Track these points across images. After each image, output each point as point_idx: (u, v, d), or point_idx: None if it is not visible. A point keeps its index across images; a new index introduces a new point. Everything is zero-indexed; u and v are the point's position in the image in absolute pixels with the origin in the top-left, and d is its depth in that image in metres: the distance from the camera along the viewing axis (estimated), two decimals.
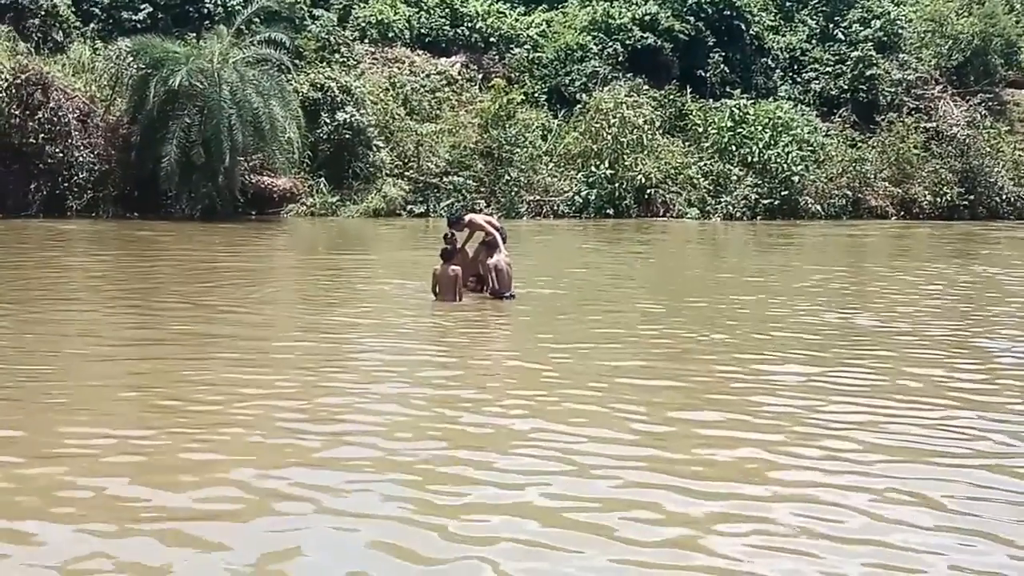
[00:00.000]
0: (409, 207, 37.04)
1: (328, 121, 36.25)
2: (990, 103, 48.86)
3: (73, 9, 37.14)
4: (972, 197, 45.03)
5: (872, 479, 7.31)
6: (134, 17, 37.26)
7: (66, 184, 32.44)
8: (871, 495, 6.93)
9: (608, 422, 8.67)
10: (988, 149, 45.99)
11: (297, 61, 37.33)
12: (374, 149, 37.45)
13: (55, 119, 32.15)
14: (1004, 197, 45.59)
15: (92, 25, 37.29)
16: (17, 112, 31.42)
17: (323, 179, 36.32)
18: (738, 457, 7.82)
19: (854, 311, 16.09)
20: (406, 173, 37.90)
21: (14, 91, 31.39)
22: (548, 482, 7.06)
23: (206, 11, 38.05)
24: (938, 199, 44.42)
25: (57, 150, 32.13)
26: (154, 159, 31.70)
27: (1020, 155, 46.94)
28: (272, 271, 22.57)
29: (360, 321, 14.37)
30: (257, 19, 36.73)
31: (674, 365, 11.63)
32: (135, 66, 33.57)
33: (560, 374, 10.82)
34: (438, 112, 40.72)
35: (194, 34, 35.66)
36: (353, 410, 9.10)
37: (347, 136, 36.38)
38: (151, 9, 37.49)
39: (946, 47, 49.78)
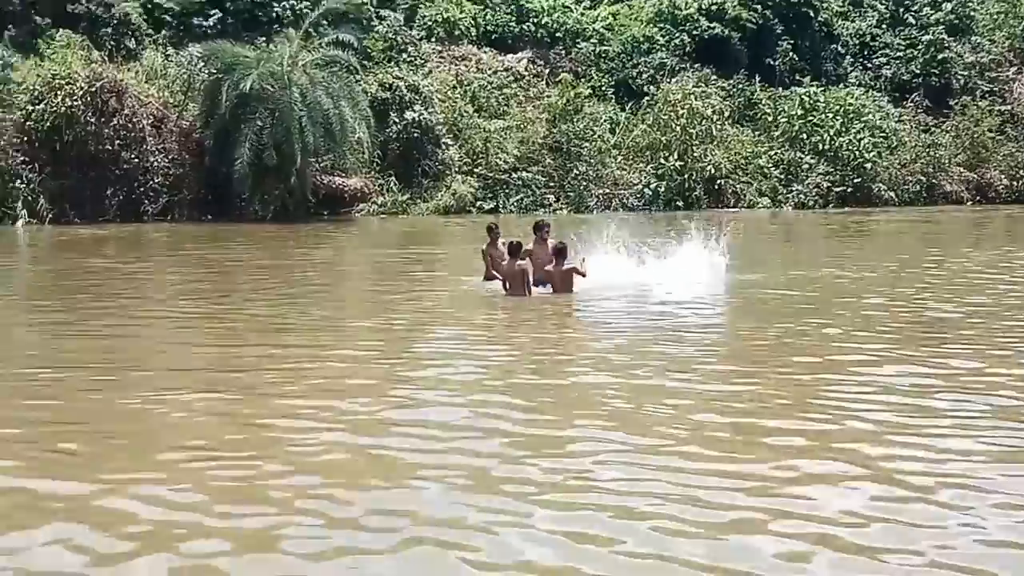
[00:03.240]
0: (479, 203, 37.18)
1: (397, 120, 36.53)
2: None
3: (145, 17, 37.80)
4: None
5: None
6: (204, 23, 37.82)
7: (141, 189, 32.99)
8: None
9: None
10: None
11: (365, 62, 37.70)
12: (443, 147, 37.68)
13: (130, 125, 32.70)
14: None
15: (164, 32, 37.93)
16: (93, 119, 31.94)
17: (393, 178, 36.63)
18: None
19: None
20: (475, 170, 38.06)
21: (89, 99, 31.91)
22: None
23: (275, 15, 38.52)
24: (1015, 182, 43.73)
25: (132, 156, 32.69)
26: (227, 162, 32.12)
27: None
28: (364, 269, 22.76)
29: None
30: (325, 21, 37.12)
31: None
32: (206, 71, 34.17)
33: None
34: (506, 108, 40.88)
35: (263, 38, 36.06)
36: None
37: (416, 135, 36.63)
38: (221, 15, 38.04)
39: (1020, 28, 48.97)
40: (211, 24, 37.81)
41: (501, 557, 5.42)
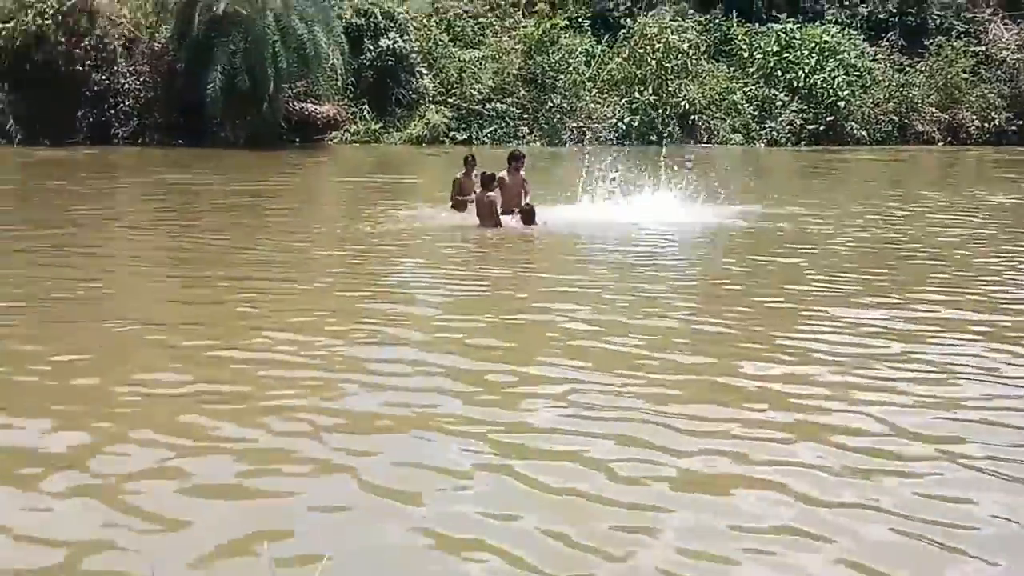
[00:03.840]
0: (452, 134, 37.06)
1: (371, 48, 36.29)
2: None
3: None
4: (1021, 122, 44.35)
5: None
6: None
7: (112, 111, 32.73)
8: None
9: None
10: None
11: None
12: (417, 76, 37.47)
13: (101, 46, 32.39)
14: None
15: None
16: (63, 39, 31.57)
17: (366, 106, 36.44)
18: None
19: None
20: (449, 100, 37.87)
21: (60, 19, 31.52)
22: None
23: None
24: (986, 124, 43.87)
25: (103, 77, 32.41)
26: (199, 86, 31.82)
27: None
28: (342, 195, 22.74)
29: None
30: None
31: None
32: None
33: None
34: (481, 38, 40.62)
35: None
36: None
37: (390, 63, 36.41)
38: None
39: None
40: None
41: (446, 504, 5.51)
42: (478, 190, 16.18)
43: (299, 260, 12.98)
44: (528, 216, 15.84)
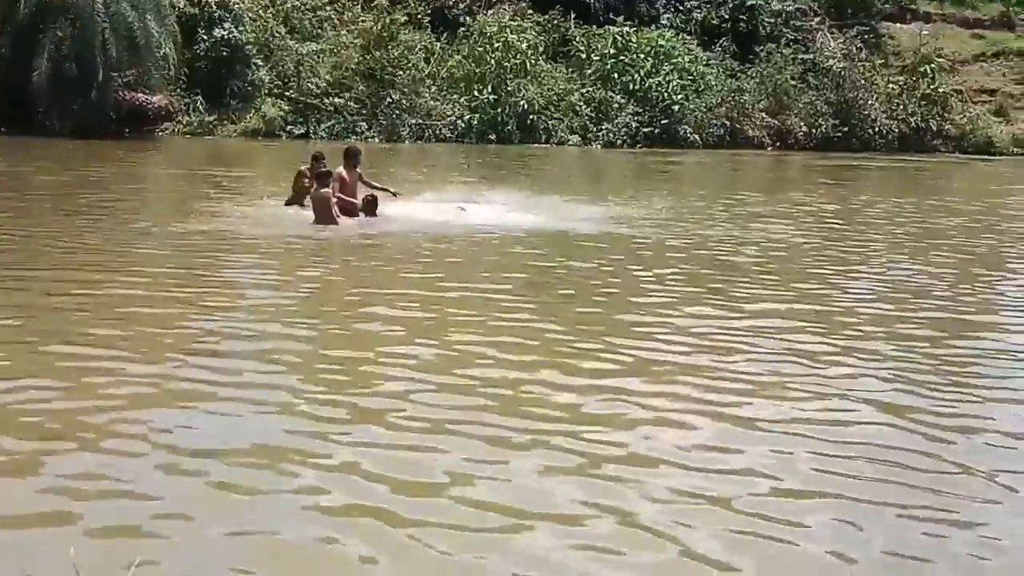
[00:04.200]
0: (289, 128, 36.56)
1: (205, 38, 35.55)
2: (866, 36, 49.87)
3: None
4: (846, 129, 45.94)
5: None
6: None
7: None
8: None
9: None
10: (863, 82, 46.87)
11: None
12: (253, 68, 36.82)
13: None
14: (877, 130, 46.52)
15: None
16: None
17: (200, 97, 35.64)
18: None
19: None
20: (286, 93, 37.37)
21: None
22: None
23: None
24: (813, 130, 45.32)
25: None
26: (24, 73, 30.73)
27: (893, 88, 47.93)
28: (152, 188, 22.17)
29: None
30: None
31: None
32: None
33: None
34: (319, 31, 40.19)
35: None
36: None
37: (225, 53, 35.70)
38: None
39: None
40: None
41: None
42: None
43: (111, 259, 12.53)
44: (371, 207, 15.94)
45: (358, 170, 16.72)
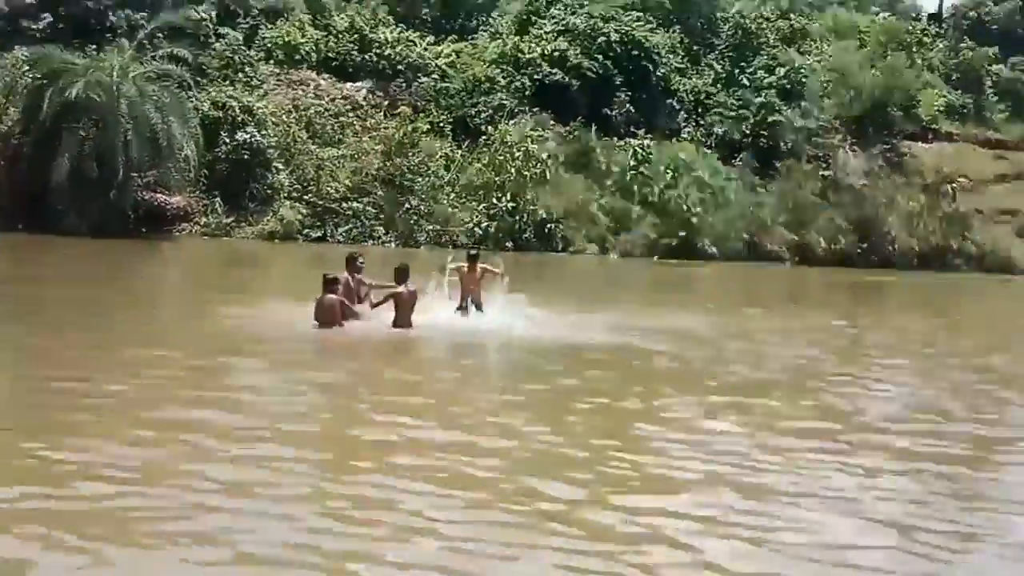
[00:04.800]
0: (306, 231, 36.69)
1: (228, 140, 35.92)
2: (888, 154, 50.08)
3: None
4: (866, 245, 45.91)
5: None
6: (34, 26, 36.63)
7: None
8: None
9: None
10: (883, 200, 46.97)
11: (199, 78, 37.00)
12: (273, 171, 37.13)
13: None
14: (897, 248, 46.47)
15: None
16: None
17: (219, 199, 35.88)
18: None
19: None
20: (304, 196, 37.59)
21: None
22: None
23: (109, 24, 37.50)
24: (832, 246, 45.27)
25: None
26: (45, 171, 31.11)
27: (914, 206, 47.96)
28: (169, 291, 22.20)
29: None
30: (161, 34, 36.43)
31: None
32: (31, 76, 33.06)
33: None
34: (341, 137, 40.55)
35: (95, 47, 35.03)
36: None
37: (246, 156, 36.03)
38: (52, 19, 36.86)
39: (847, 98, 50.89)
40: (41, 28, 36.62)
41: None
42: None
43: (118, 361, 12.45)
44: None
45: (361, 276, 16.68)
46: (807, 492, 8.05)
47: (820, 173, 46.78)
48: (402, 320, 15.68)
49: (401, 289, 15.84)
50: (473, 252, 18.68)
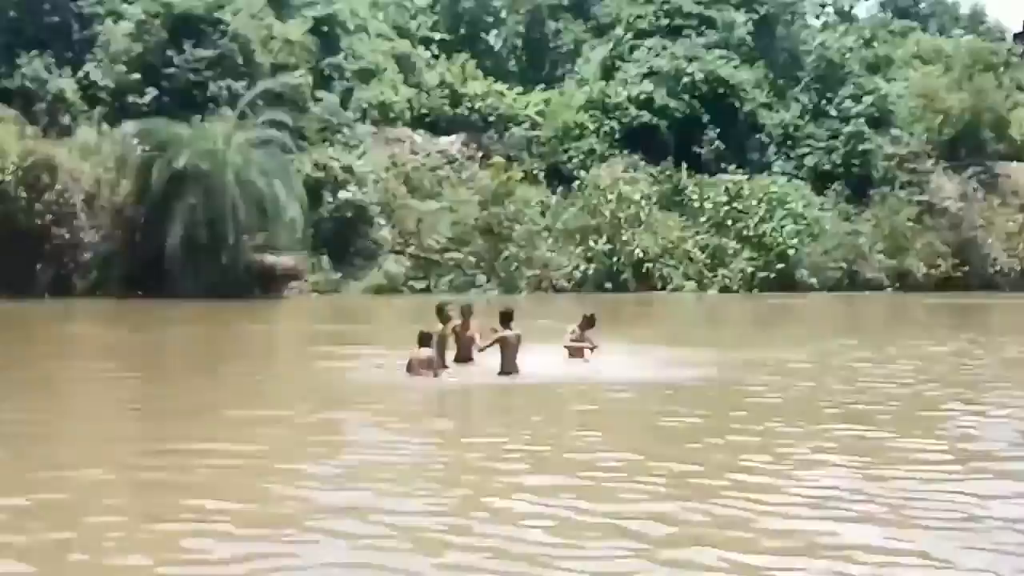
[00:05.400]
0: (410, 283, 37.49)
1: (330, 200, 36.96)
2: (982, 176, 49.66)
3: (80, 93, 37.91)
4: (967, 268, 45.59)
5: None
6: (140, 101, 37.89)
7: (72, 264, 32.94)
8: None
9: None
10: (981, 221, 46.67)
11: (300, 141, 38.03)
12: (376, 226, 38.09)
13: (61, 201, 32.77)
14: (997, 268, 46.09)
15: (98, 108, 37.92)
16: (24, 195, 31.98)
17: (325, 256, 36.82)
18: None
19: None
20: (407, 250, 38.42)
21: (21, 174, 32.01)
22: None
23: (210, 95, 38.63)
24: (932, 270, 45.02)
25: (63, 231, 32.68)
26: (159, 239, 32.22)
27: (1012, 226, 47.53)
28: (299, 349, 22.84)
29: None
30: (260, 101, 37.48)
31: None
32: (140, 148, 34.33)
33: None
34: (439, 190, 41.42)
35: (199, 117, 36.19)
36: None
37: (349, 214, 37.06)
38: (157, 93, 38.12)
39: (937, 122, 50.65)
40: (146, 102, 37.87)
41: None
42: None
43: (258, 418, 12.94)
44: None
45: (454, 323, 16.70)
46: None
47: (915, 199, 46.57)
48: (508, 365, 15.69)
49: (508, 333, 15.95)
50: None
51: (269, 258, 35.31)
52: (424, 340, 15.77)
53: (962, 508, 8.01)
